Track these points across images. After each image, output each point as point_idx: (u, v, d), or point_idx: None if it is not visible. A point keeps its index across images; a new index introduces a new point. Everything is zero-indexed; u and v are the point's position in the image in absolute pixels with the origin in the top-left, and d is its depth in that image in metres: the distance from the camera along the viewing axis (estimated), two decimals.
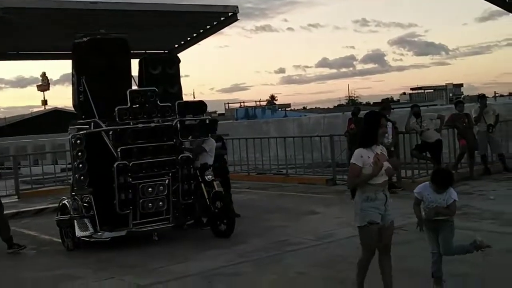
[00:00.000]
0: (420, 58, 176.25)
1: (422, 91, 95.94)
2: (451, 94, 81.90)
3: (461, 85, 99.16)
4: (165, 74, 10.82)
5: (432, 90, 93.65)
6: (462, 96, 77.99)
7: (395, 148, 13.00)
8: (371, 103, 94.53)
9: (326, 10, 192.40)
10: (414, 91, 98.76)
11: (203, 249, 9.01)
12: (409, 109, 14.82)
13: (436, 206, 5.87)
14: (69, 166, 12.74)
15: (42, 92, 75.57)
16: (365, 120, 5.85)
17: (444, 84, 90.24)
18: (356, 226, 5.79)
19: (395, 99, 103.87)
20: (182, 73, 11.29)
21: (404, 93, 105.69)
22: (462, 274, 6.58)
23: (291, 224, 10.54)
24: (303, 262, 7.91)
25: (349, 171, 5.75)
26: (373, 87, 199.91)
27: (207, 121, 10.55)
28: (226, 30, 14.95)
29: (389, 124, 13.05)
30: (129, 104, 9.39)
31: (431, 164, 13.89)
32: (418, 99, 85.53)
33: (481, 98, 15.75)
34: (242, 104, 79.90)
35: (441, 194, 5.91)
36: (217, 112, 73.06)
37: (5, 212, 11.65)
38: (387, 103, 16.83)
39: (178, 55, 13.27)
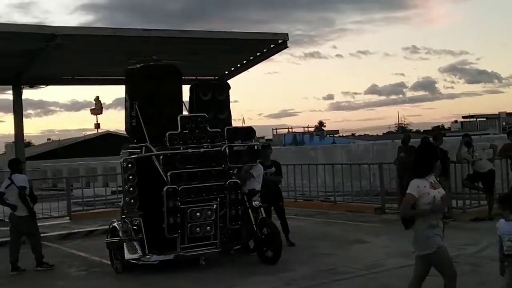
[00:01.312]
0: (472, 86, 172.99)
1: (474, 119, 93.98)
2: (504, 123, 79.91)
3: None
4: (215, 100, 10.96)
5: (484, 119, 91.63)
6: None
7: (446, 179, 12.74)
8: (421, 130, 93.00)
9: (375, 37, 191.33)
10: (466, 119, 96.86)
11: (249, 275, 8.99)
12: (461, 137, 14.55)
13: None
14: (120, 189, 12.96)
15: (95, 116, 77.28)
16: (421, 150, 5.96)
17: (497, 113, 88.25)
18: (421, 255, 5.90)
19: (446, 127, 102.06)
20: (231, 99, 11.42)
21: (456, 121, 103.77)
22: None
23: (338, 252, 10.43)
24: None
25: (404, 200, 5.86)
26: (423, 115, 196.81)
27: (256, 147, 10.60)
28: (275, 56, 15.05)
29: None
30: (179, 130, 9.54)
31: (483, 194, 13.57)
32: (470, 127, 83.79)
33: None
34: (290, 129, 79.76)
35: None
36: (265, 138, 73.11)
37: (56, 233, 11.95)
38: (438, 131, 16.49)
39: (228, 81, 13.42)
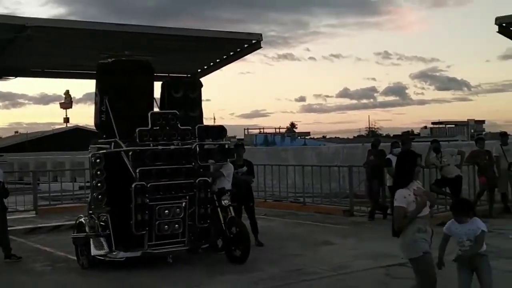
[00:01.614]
0: (442, 93, 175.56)
1: (444, 125, 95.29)
2: (472, 130, 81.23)
3: (483, 121, 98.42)
4: (187, 97, 10.90)
5: (453, 125, 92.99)
6: (484, 132, 77.34)
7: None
8: (391, 135, 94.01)
9: (348, 41, 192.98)
10: (435, 126, 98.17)
11: (217, 274, 8.97)
12: (429, 143, 14.73)
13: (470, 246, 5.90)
14: (88, 184, 12.80)
15: (64, 110, 76.46)
16: (401, 160, 6.04)
17: (466, 120, 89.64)
18: (408, 258, 5.92)
19: (415, 132, 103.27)
20: (203, 97, 11.37)
21: (425, 127, 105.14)
22: None
23: (306, 253, 10.46)
24: None
25: (396, 214, 5.86)
26: (393, 120, 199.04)
27: (226, 146, 10.57)
28: (248, 56, 15.07)
29: (394, 158, 12.99)
30: (150, 126, 9.47)
31: (450, 199, 13.74)
32: (439, 133, 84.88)
33: (503, 135, 15.62)
34: (262, 130, 79.94)
35: (468, 224, 5.93)
36: (237, 137, 73.12)
37: (22, 227, 11.80)
38: (406, 136, 16.65)
39: (201, 79, 13.37)
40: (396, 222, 5.84)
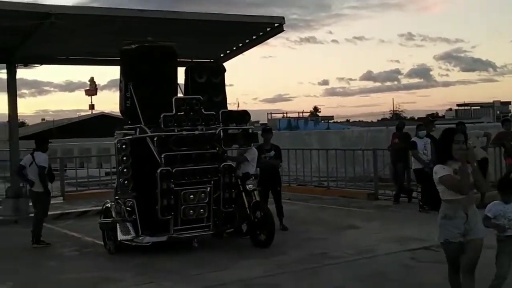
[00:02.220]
0: (467, 74, 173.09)
1: (469, 107, 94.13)
2: (498, 112, 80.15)
3: (509, 103, 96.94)
4: (211, 83, 10.92)
5: (478, 107, 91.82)
6: (510, 114, 76.26)
7: None
8: (416, 118, 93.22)
9: (371, 23, 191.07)
10: (460, 107, 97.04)
11: (242, 258, 9.02)
12: (454, 125, 14.57)
13: None
14: (114, 170, 12.94)
15: (89, 97, 77.03)
16: (440, 138, 5.84)
17: (491, 101, 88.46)
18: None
19: (440, 114, 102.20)
20: (226, 82, 11.38)
21: (450, 109, 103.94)
22: None
23: (330, 237, 10.48)
24: (341, 276, 7.85)
25: (447, 184, 5.43)
26: (418, 102, 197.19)
27: (250, 131, 10.58)
28: (270, 40, 14.98)
29: (427, 140, 12.87)
30: (174, 111, 9.51)
31: None
32: (464, 115, 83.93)
33: None
34: (285, 115, 79.69)
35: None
36: (260, 122, 73.10)
37: (50, 213, 12.06)
38: (427, 118, 16.40)
39: (224, 64, 13.36)
40: (458, 187, 5.37)
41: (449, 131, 5.73)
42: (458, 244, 5.48)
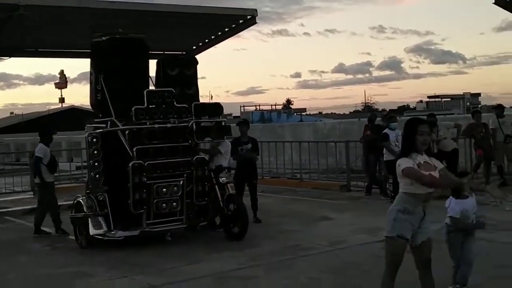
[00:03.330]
0: (437, 66, 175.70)
1: (439, 99, 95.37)
2: (468, 103, 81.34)
3: (479, 94, 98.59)
4: (183, 75, 10.83)
5: (449, 99, 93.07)
6: (480, 105, 77.42)
7: None
8: (387, 110, 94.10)
9: (343, 15, 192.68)
10: (431, 99, 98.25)
11: (215, 251, 9.01)
12: (425, 117, 14.73)
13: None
14: (85, 164, 12.80)
15: (59, 90, 76.23)
16: (404, 128, 5.43)
17: (462, 93, 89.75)
18: (384, 236, 5.29)
19: (411, 106, 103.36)
20: (199, 75, 11.31)
21: (421, 101, 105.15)
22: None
23: (304, 229, 10.51)
24: (315, 267, 7.88)
25: (412, 175, 5.05)
26: (389, 94, 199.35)
27: (223, 123, 10.55)
28: (243, 33, 14.98)
29: (399, 132, 12.99)
30: (146, 104, 9.42)
31: None
32: (435, 107, 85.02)
33: (498, 108, 15.61)
34: (258, 107, 79.84)
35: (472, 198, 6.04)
36: (233, 115, 73.08)
37: (20, 208, 11.98)
38: (388, 113, 16.48)
39: (196, 56, 13.29)
40: (423, 179, 5.01)
41: (413, 122, 5.28)
42: (406, 241, 5.15)
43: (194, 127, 9.96)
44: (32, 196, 16.15)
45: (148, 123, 9.43)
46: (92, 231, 9.35)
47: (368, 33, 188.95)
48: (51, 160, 11.06)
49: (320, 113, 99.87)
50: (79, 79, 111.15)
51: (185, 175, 9.53)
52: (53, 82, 79.26)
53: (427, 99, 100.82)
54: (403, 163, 5.12)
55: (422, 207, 5.17)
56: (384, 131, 13.33)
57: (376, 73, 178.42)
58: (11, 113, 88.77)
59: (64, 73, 74.56)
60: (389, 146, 12.82)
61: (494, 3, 13.75)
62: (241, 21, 13.84)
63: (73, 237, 10.02)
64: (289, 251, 8.80)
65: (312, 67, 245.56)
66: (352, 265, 7.89)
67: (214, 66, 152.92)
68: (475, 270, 6.31)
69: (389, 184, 13.62)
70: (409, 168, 5.05)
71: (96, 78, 9.85)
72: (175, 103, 9.71)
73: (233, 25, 14.17)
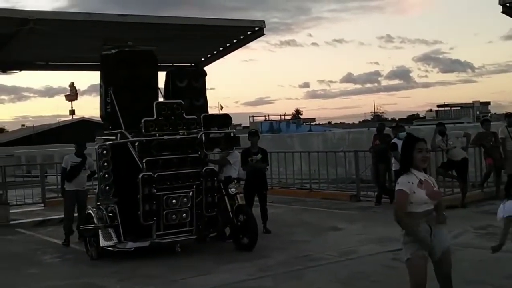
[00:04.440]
0: (446, 75, 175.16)
1: (449, 108, 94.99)
2: (478, 112, 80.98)
3: (488, 103, 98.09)
4: (191, 87, 10.89)
5: (458, 108, 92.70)
6: (489, 114, 77.12)
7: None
8: (397, 119, 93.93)
9: (350, 26, 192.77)
10: (440, 108, 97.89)
11: (225, 262, 9.01)
12: (435, 126, 14.71)
13: None
14: (95, 176, 12.86)
15: (70, 102, 76.61)
16: (402, 144, 5.48)
17: (471, 102, 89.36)
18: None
19: (421, 115, 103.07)
20: (208, 86, 11.36)
21: (431, 110, 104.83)
22: None
23: (313, 240, 10.51)
24: (324, 278, 7.87)
25: (397, 199, 5.20)
26: (398, 103, 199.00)
27: (232, 134, 10.58)
28: (251, 44, 15.01)
29: (399, 142, 12.96)
30: (155, 116, 9.48)
31: (457, 182, 13.74)
32: (445, 116, 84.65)
33: (509, 116, 15.54)
34: (267, 117, 79.83)
35: None
36: (242, 125, 73.11)
37: (31, 220, 12.05)
38: (398, 123, 16.69)
39: (204, 68, 13.35)
40: (396, 210, 5.15)
41: (410, 139, 5.37)
42: (425, 260, 5.12)
43: (203, 138, 10.01)
44: (43, 208, 16.28)
45: (157, 134, 9.48)
46: (102, 242, 9.39)
47: (376, 43, 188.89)
48: (69, 169, 11.29)
49: (329, 123, 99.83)
50: (89, 91, 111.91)
51: (194, 186, 9.56)
52: (63, 94, 79.72)
53: (437, 108, 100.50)
54: (400, 184, 5.18)
55: (426, 222, 5.16)
56: (393, 140, 13.32)
57: (384, 83, 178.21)
58: (22, 125, 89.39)
59: (75, 85, 74.96)
60: (398, 155, 12.76)
61: (502, 12, 13.72)
62: (249, 33, 13.86)
63: (84, 249, 10.05)
64: (299, 262, 8.79)
65: (321, 77, 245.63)
66: (361, 275, 7.88)
67: (223, 77, 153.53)
68: (483, 280, 6.27)
69: None
70: (400, 193, 5.12)
71: (106, 90, 9.93)
72: (184, 114, 9.76)
73: (241, 37, 14.19)
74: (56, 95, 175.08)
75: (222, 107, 42.76)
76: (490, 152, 14.54)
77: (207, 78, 11.35)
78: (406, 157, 5.29)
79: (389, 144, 13.41)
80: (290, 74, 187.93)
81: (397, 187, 5.19)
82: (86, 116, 67.01)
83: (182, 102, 9.88)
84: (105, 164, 9.37)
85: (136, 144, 9.38)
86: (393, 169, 13.37)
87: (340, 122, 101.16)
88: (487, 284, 6.50)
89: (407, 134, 5.83)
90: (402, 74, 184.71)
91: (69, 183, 11.23)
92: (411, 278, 5.19)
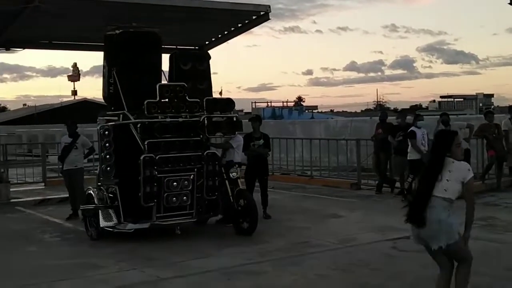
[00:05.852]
0: (450, 66, 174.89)
1: (452, 99, 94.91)
2: (481, 104, 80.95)
3: (492, 95, 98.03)
4: (195, 70, 10.82)
5: (462, 99, 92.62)
6: (492, 106, 77.07)
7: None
8: (399, 109, 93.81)
9: (355, 14, 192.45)
10: (443, 99, 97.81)
11: (225, 246, 9.03)
12: (438, 117, 14.67)
13: None
14: (96, 156, 12.87)
15: (72, 83, 76.57)
16: (440, 137, 5.74)
17: (475, 94, 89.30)
18: (450, 243, 5.42)
19: (424, 106, 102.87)
20: (211, 70, 11.30)
21: (434, 101, 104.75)
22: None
23: (313, 226, 10.51)
24: (323, 264, 7.88)
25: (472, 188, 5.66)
26: (402, 93, 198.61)
27: (235, 119, 10.55)
28: (255, 29, 14.95)
29: (424, 131, 12.93)
30: (158, 98, 9.44)
31: None
32: (448, 107, 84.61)
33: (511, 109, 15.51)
34: (269, 104, 79.74)
35: None
36: (244, 111, 73.01)
37: (31, 198, 12.07)
38: (401, 111, 16.68)
39: (208, 51, 13.29)
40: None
41: (449, 134, 5.73)
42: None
43: (206, 122, 9.98)
44: (44, 187, 16.31)
45: (160, 117, 9.45)
46: (102, 223, 9.39)
47: (381, 32, 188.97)
48: (61, 150, 11.71)
49: (331, 110, 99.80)
50: (92, 72, 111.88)
51: (195, 169, 9.54)
52: (65, 75, 79.75)
53: (440, 99, 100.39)
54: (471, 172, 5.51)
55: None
56: (411, 128, 13.10)
57: (388, 72, 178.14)
58: (24, 104, 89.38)
59: (77, 66, 74.90)
60: (416, 144, 12.71)
61: (510, 3, 13.65)
62: (254, 17, 13.81)
63: (83, 229, 10.07)
64: (298, 248, 8.80)
65: (324, 65, 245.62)
66: (361, 263, 7.88)
67: (226, 62, 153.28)
68: (483, 271, 6.28)
69: (406, 182, 13.36)
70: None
71: (109, 71, 9.88)
72: (187, 97, 9.72)
73: (246, 21, 14.14)
74: (59, 75, 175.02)
75: (221, 91, 42.56)
76: (492, 144, 14.51)
77: (210, 62, 11.29)
78: (444, 148, 5.48)
79: (408, 132, 13.13)
80: (294, 60, 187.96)
81: (470, 173, 5.48)
82: (88, 97, 66.98)
83: (186, 85, 9.82)
84: (107, 145, 9.35)
85: (138, 125, 9.35)
86: (408, 158, 13.07)
87: (343, 111, 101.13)
88: (487, 275, 6.50)
89: (440, 130, 5.99)
90: (406, 64, 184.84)
91: (63, 163, 11.78)
92: (468, 255, 5.53)
